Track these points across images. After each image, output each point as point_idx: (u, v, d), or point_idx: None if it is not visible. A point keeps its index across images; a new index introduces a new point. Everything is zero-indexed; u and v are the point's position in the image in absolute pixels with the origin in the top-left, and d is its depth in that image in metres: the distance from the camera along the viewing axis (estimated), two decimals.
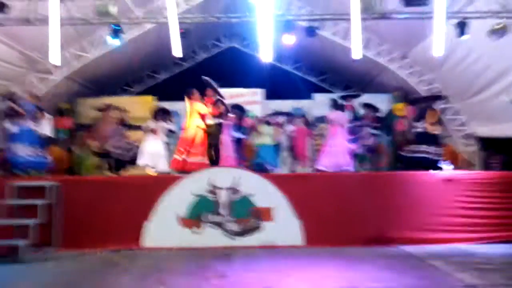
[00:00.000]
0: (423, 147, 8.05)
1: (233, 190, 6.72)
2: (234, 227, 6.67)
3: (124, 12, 8.94)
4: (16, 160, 7.50)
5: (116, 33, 8.57)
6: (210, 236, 6.61)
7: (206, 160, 7.91)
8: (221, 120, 8.56)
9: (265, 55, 8.85)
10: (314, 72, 15.30)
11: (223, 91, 8.90)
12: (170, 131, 9.97)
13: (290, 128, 10.63)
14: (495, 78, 9.13)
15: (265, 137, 10.12)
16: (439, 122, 8.37)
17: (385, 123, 10.96)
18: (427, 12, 7.96)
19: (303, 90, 14.00)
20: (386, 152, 10.59)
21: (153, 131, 9.24)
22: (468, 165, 10.90)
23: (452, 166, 8.43)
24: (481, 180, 7.06)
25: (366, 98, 11.00)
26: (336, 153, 8.50)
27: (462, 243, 6.49)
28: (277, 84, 13.86)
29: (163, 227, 6.60)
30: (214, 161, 8.23)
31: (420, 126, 8.26)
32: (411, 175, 7.33)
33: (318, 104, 12.81)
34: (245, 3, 8.83)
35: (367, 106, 10.23)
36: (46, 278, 4.99)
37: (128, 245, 6.48)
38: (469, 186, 6.88)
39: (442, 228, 6.63)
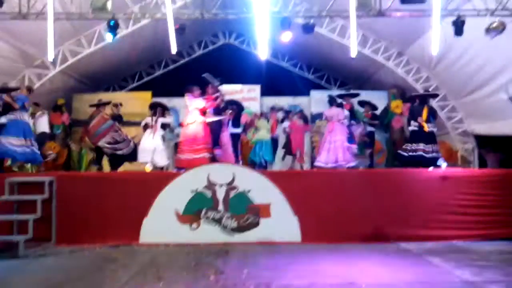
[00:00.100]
0: (421, 146, 8.09)
1: (231, 186, 6.73)
2: (232, 223, 6.68)
3: (120, 7, 8.92)
4: (3, 150, 7.44)
5: (112, 28, 8.53)
6: (207, 232, 6.62)
7: (211, 155, 7.93)
8: (221, 117, 8.54)
9: (262, 51, 8.88)
10: (311, 69, 15.30)
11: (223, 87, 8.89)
12: (167, 125, 9.99)
13: (286, 124, 10.64)
14: (492, 76, 9.16)
15: (263, 132, 10.12)
16: (434, 118, 8.40)
17: (382, 120, 11.00)
18: (424, 9, 7.98)
19: (300, 87, 14.00)
20: (383, 150, 10.65)
21: (150, 127, 9.26)
22: (465, 163, 10.96)
23: (446, 164, 8.44)
24: (478, 177, 7.11)
25: (363, 95, 11.01)
26: (335, 149, 8.52)
27: (459, 240, 6.52)
28: (274, 80, 13.87)
29: (161, 223, 6.61)
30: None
31: (415, 125, 8.30)
32: (408, 172, 7.38)
33: (315, 101, 12.83)
34: None
35: (365, 103, 10.27)
36: (45, 274, 4.98)
37: (126, 241, 6.49)
38: (466, 184, 6.91)
39: (439, 225, 6.66)
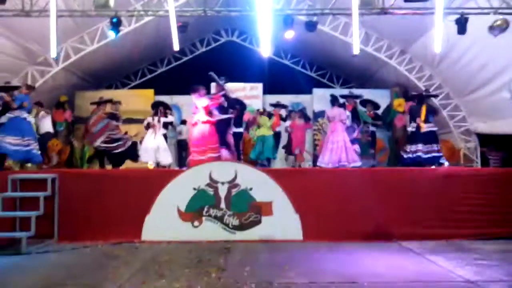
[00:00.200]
0: (419, 146, 8.09)
1: (233, 184, 6.74)
2: (234, 221, 6.69)
3: (123, 4, 8.91)
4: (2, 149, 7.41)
5: (115, 25, 8.53)
6: (209, 230, 6.64)
7: (221, 154, 7.92)
8: (229, 115, 8.49)
9: (265, 49, 8.86)
10: (313, 67, 15.27)
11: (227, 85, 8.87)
12: (169, 124, 10.01)
13: (287, 123, 10.64)
14: (495, 74, 9.13)
15: (264, 129, 10.11)
16: (434, 115, 8.37)
17: (384, 119, 10.99)
18: (427, 7, 7.96)
19: (303, 85, 13.98)
20: (386, 148, 10.64)
21: (152, 126, 9.29)
22: (467, 161, 10.94)
23: (447, 163, 8.44)
24: (481, 176, 7.11)
25: (366, 93, 11.00)
26: (337, 149, 8.49)
27: (461, 239, 6.51)
28: (276, 78, 13.86)
29: (163, 221, 6.63)
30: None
31: (413, 126, 8.29)
32: (410, 171, 7.37)
33: (317, 99, 12.82)
34: None
35: (367, 102, 10.25)
36: (47, 270, 5.00)
37: (128, 238, 6.52)
38: (468, 182, 6.90)
39: (441, 223, 6.66)
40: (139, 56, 13.38)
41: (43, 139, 9.56)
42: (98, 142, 8.74)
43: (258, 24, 8.25)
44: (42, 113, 9.78)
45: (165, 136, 9.84)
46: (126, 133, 9.57)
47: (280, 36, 9.68)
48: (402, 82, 11.78)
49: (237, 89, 12.58)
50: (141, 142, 9.57)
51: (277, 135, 10.51)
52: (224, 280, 4.49)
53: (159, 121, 9.43)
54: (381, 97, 11.60)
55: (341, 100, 9.23)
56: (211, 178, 6.76)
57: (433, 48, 8.27)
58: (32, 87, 8.42)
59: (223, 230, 6.66)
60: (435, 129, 8.39)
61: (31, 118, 7.93)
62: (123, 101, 11.95)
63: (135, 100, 12.75)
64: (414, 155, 8.09)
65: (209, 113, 8.09)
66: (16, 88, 7.85)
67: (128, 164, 9.28)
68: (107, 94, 11.45)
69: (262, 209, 6.70)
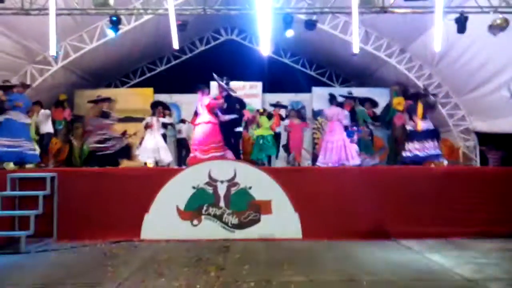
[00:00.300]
0: (416, 145, 8.08)
1: (232, 183, 6.74)
2: (233, 219, 6.69)
3: (123, 3, 8.91)
4: None
5: (114, 24, 8.53)
6: (209, 229, 6.64)
7: (226, 154, 7.90)
8: (234, 116, 8.45)
9: (264, 48, 8.85)
10: (313, 66, 15.27)
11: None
12: (168, 124, 10.03)
13: (286, 122, 10.64)
14: (494, 73, 9.14)
15: (263, 128, 10.12)
16: (432, 110, 8.34)
17: (384, 117, 10.98)
18: (427, 6, 7.96)
19: (302, 84, 13.98)
20: (385, 147, 10.63)
21: (150, 126, 9.31)
22: (467, 160, 10.95)
23: (446, 161, 8.45)
24: (480, 175, 7.12)
25: (365, 92, 11.00)
26: (336, 148, 8.48)
27: (460, 237, 6.51)
28: (276, 77, 13.85)
29: (162, 219, 6.63)
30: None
31: (411, 124, 8.29)
32: (409, 170, 7.37)
33: (317, 98, 12.81)
34: None
35: (366, 100, 10.23)
36: (47, 269, 5.00)
37: (128, 237, 6.52)
38: (467, 181, 6.91)
39: (440, 222, 6.66)
40: (138, 54, 13.39)
41: (44, 140, 9.55)
42: (90, 143, 8.68)
43: (258, 23, 8.25)
44: (41, 112, 9.76)
45: (164, 135, 9.86)
46: (125, 132, 9.56)
47: (279, 35, 9.67)
48: (402, 81, 11.78)
49: (236, 88, 12.56)
50: (140, 143, 9.56)
51: (277, 135, 10.51)
52: (223, 278, 4.49)
53: (157, 121, 9.45)
54: (381, 96, 11.59)
55: (340, 99, 9.22)
56: (210, 177, 6.76)
57: (433, 47, 8.27)
58: (26, 85, 8.30)
59: (222, 229, 6.67)
60: (432, 126, 8.32)
61: (26, 119, 7.77)
62: (122, 99, 11.99)
63: (135, 98, 12.75)
64: (414, 153, 8.09)
65: (212, 112, 8.06)
66: (12, 87, 7.76)
67: (127, 163, 9.26)
68: (106, 92, 11.45)
69: (261, 208, 6.70)
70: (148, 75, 15.07)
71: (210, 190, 6.74)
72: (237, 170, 6.79)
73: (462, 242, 6.35)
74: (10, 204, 6.56)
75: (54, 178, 6.67)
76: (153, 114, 9.62)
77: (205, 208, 6.70)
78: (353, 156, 8.40)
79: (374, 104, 10.26)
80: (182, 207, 6.68)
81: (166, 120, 9.99)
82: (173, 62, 15.06)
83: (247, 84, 13.16)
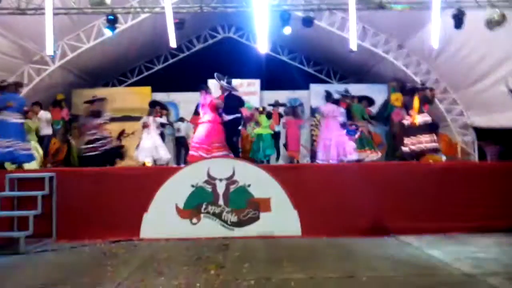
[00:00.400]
0: (414, 139, 8.09)
1: (231, 181, 6.73)
2: (232, 217, 6.68)
3: (119, 1, 8.89)
4: None
5: (111, 23, 8.51)
6: (208, 227, 6.63)
7: (230, 153, 7.88)
8: (238, 115, 8.40)
9: (262, 45, 8.85)
10: (310, 63, 15.26)
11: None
12: (164, 124, 10.04)
13: (283, 119, 10.66)
14: (491, 68, 9.15)
15: (263, 127, 10.17)
16: (429, 103, 8.32)
17: (382, 113, 10.99)
18: (424, 2, 7.96)
19: (300, 81, 13.98)
20: (383, 143, 10.63)
21: (147, 126, 9.33)
22: (465, 155, 10.96)
23: (444, 157, 8.45)
24: (478, 170, 7.13)
25: (363, 88, 11.00)
26: (333, 145, 8.51)
27: (459, 232, 6.52)
28: (274, 74, 13.85)
29: (161, 218, 6.62)
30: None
31: (408, 119, 8.29)
32: (407, 165, 7.38)
33: (315, 95, 12.82)
34: None
35: (363, 98, 10.23)
36: (46, 269, 4.99)
37: (127, 236, 6.50)
38: (466, 176, 6.91)
39: (439, 217, 6.66)
40: (135, 53, 13.38)
41: (44, 142, 9.53)
42: (81, 144, 8.62)
43: (255, 20, 8.24)
44: (43, 114, 9.71)
45: (162, 134, 9.87)
46: (123, 131, 9.55)
47: (277, 32, 9.66)
48: (400, 77, 11.79)
49: (234, 85, 12.58)
50: (139, 144, 9.58)
51: (276, 134, 10.52)
52: (223, 277, 4.49)
53: (154, 121, 9.47)
54: (379, 92, 11.63)
55: (336, 96, 9.23)
56: (209, 175, 6.75)
57: (430, 42, 8.28)
58: (19, 84, 8.09)
59: (222, 227, 6.66)
60: (429, 119, 8.29)
61: (19, 119, 7.55)
62: (120, 98, 12.00)
63: (132, 97, 12.76)
64: (411, 147, 8.10)
65: (216, 111, 8.03)
66: (4, 87, 7.61)
67: (124, 162, 9.26)
68: (104, 92, 11.48)
69: (260, 206, 6.70)
70: (146, 73, 15.07)
71: (209, 188, 6.73)
72: (235, 168, 6.79)
73: (460, 237, 6.35)
74: (9, 205, 6.54)
75: (52, 178, 6.66)
76: (150, 114, 9.63)
77: (204, 206, 6.70)
78: (350, 152, 8.42)
79: (370, 102, 10.27)
80: (181, 206, 6.68)
81: (162, 120, 10.00)
82: (171, 61, 15.07)
83: (245, 81, 13.17)
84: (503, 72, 8.89)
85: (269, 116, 10.44)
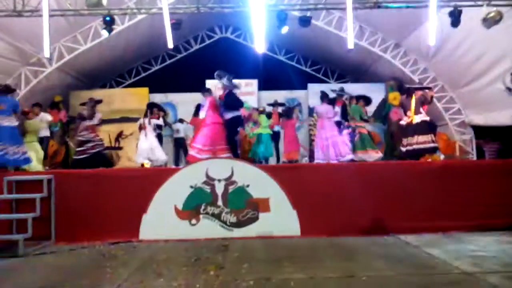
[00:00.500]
0: (410, 139, 8.09)
1: (230, 181, 6.73)
2: (231, 218, 6.68)
3: (116, 3, 8.87)
4: None
5: (108, 24, 8.50)
6: (207, 228, 6.62)
7: (231, 155, 7.87)
8: (238, 113, 8.38)
9: (259, 45, 8.84)
10: (308, 62, 15.27)
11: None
12: (160, 125, 10.04)
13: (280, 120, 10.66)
14: (489, 66, 9.17)
15: (263, 127, 10.19)
16: (426, 104, 8.30)
17: (380, 112, 10.98)
18: (421, 0, 7.96)
19: (297, 80, 13.99)
20: (382, 142, 10.63)
21: (143, 128, 9.34)
22: (463, 154, 10.98)
23: (443, 155, 8.45)
24: (477, 168, 7.13)
25: (361, 87, 11.01)
26: (329, 145, 8.54)
27: (458, 231, 6.53)
28: (271, 74, 13.87)
29: (160, 219, 6.61)
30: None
31: (405, 119, 8.28)
32: (406, 164, 7.38)
33: (312, 94, 12.83)
34: None
35: (360, 97, 10.22)
36: (45, 272, 4.98)
37: (126, 238, 6.50)
38: (464, 175, 6.91)
39: (437, 216, 6.66)
40: (133, 54, 13.36)
41: (43, 143, 9.50)
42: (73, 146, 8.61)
43: (252, 20, 8.23)
44: (44, 116, 9.68)
45: (160, 136, 9.87)
46: (121, 132, 9.54)
47: (274, 32, 9.65)
48: (397, 76, 11.80)
49: None
50: (137, 146, 9.59)
51: (275, 134, 10.52)
52: (222, 277, 4.48)
53: (149, 122, 9.47)
54: (376, 91, 11.63)
55: (332, 95, 9.24)
56: (207, 176, 6.74)
57: (427, 41, 8.28)
58: (8, 87, 7.83)
59: (221, 228, 6.66)
60: (427, 119, 8.26)
61: (10, 122, 7.37)
62: (117, 100, 11.99)
63: (130, 98, 12.75)
64: (409, 147, 8.10)
65: (216, 109, 8.02)
66: None
67: (124, 163, 9.27)
68: (101, 93, 11.47)
69: (259, 206, 6.69)
70: (143, 75, 15.06)
71: (207, 189, 6.73)
72: (234, 169, 6.78)
73: (460, 235, 6.36)
74: (7, 207, 6.53)
75: (51, 180, 6.64)
76: (145, 115, 9.63)
77: (203, 207, 6.69)
78: (345, 153, 8.45)
79: (368, 101, 10.26)
80: (180, 207, 6.67)
81: (158, 122, 10.00)
82: (168, 61, 15.06)
83: (243, 82, 13.10)
84: (500, 70, 8.91)
85: (269, 116, 10.45)
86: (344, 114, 9.24)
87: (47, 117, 9.75)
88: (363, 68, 13.41)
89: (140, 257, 5.52)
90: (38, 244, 6.23)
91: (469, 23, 8.04)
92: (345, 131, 9.26)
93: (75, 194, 6.66)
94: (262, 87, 13.55)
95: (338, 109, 9.02)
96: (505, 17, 7.73)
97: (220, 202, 6.70)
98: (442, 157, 8.36)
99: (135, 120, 10.66)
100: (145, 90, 13.14)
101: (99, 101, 9.08)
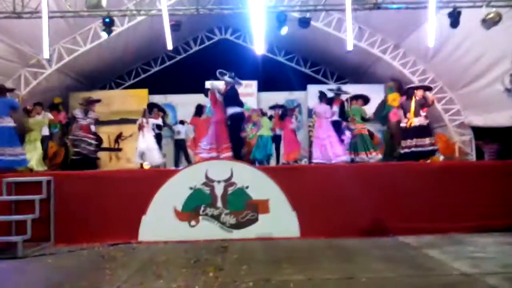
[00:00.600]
0: (409, 142, 8.08)
1: (229, 182, 6.73)
2: (231, 219, 6.68)
3: (115, 4, 8.88)
4: None
5: (107, 26, 8.50)
6: (206, 229, 6.62)
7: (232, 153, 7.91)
8: (240, 110, 8.34)
9: (258, 46, 8.85)
10: (307, 63, 15.27)
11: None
12: (159, 125, 10.03)
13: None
14: (488, 67, 9.18)
15: (264, 129, 10.22)
16: (425, 107, 8.28)
17: (379, 113, 10.98)
18: (420, 1, 7.97)
19: (297, 82, 13.99)
20: (381, 143, 10.62)
21: (141, 127, 9.33)
22: (463, 155, 10.98)
23: (442, 156, 8.45)
24: (476, 169, 7.14)
25: (360, 88, 11.00)
26: (325, 145, 8.55)
27: (457, 232, 6.52)
28: (271, 75, 13.87)
29: (160, 221, 6.60)
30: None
31: (405, 121, 8.27)
32: (405, 166, 7.38)
33: (312, 95, 12.81)
34: None
35: (359, 97, 10.21)
36: (44, 273, 4.98)
37: (125, 239, 6.49)
38: (464, 176, 6.91)
39: (437, 217, 6.66)
40: (132, 56, 13.36)
41: (44, 143, 9.51)
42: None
43: (252, 22, 8.24)
44: (43, 114, 9.69)
45: (159, 136, 9.85)
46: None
47: (273, 33, 9.66)
48: (397, 77, 11.81)
49: None
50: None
51: (277, 136, 10.53)
52: (221, 279, 4.48)
53: (147, 122, 9.46)
54: (376, 92, 11.61)
55: (330, 94, 9.25)
56: (207, 177, 6.74)
57: (427, 42, 8.28)
58: (4, 89, 7.85)
59: (220, 229, 6.65)
60: (426, 122, 8.25)
61: (5, 123, 7.40)
62: (117, 101, 11.99)
63: (130, 100, 12.75)
64: (408, 149, 8.09)
65: (217, 105, 8.03)
66: None
67: (123, 165, 9.27)
68: (101, 94, 11.46)
69: (258, 207, 6.69)
70: (143, 76, 15.06)
71: (207, 190, 6.72)
72: (233, 170, 6.78)
73: (459, 237, 6.36)
74: (7, 209, 6.52)
75: (50, 182, 6.64)
76: (144, 115, 9.62)
77: (202, 208, 6.69)
78: (337, 154, 8.46)
79: (366, 101, 10.24)
80: (179, 208, 6.67)
81: (157, 121, 9.98)
82: (168, 63, 15.07)
83: (242, 83, 13.15)
84: (499, 71, 8.92)
85: (271, 118, 10.50)
86: (342, 113, 9.23)
87: (49, 115, 9.77)
88: (363, 69, 13.41)
89: (139, 259, 5.52)
90: (37, 245, 6.22)
91: (468, 24, 8.05)
92: (347, 135, 9.25)
93: (74, 195, 6.65)
94: (261, 88, 13.55)
95: (336, 108, 9.02)
96: (504, 18, 7.74)
97: (219, 204, 6.70)
98: (441, 158, 8.35)
99: (134, 121, 10.65)
100: (145, 91, 13.14)
101: (94, 101, 9.11)
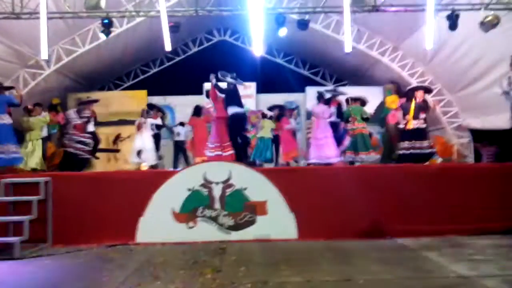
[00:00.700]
0: (407, 144, 8.07)
1: (227, 184, 6.72)
2: (228, 221, 6.66)
3: (114, 5, 8.89)
4: None
5: (106, 27, 8.50)
6: (204, 231, 6.60)
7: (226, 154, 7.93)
8: (241, 110, 8.34)
9: (257, 48, 8.86)
10: (306, 65, 15.29)
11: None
12: (159, 126, 10.03)
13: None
14: (486, 70, 9.19)
15: (265, 130, 10.22)
16: (424, 110, 8.27)
17: (378, 115, 10.98)
18: (419, 4, 7.99)
19: (296, 83, 14.01)
20: (379, 145, 10.62)
21: (139, 127, 9.33)
22: (461, 157, 10.99)
23: (440, 159, 8.45)
24: (474, 171, 7.14)
25: (359, 90, 11.01)
26: (322, 145, 8.57)
27: (455, 235, 6.51)
28: (269, 77, 13.89)
29: (157, 222, 6.59)
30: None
31: (403, 123, 8.27)
32: (403, 168, 7.37)
33: (311, 97, 12.82)
34: None
35: (357, 99, 10.21)
36: (42, 275, 4.96)
37: (123, 241, 6.47)
38: (462, 178, 6.91)
39: (435, 219, 6.65)
40: (131, 57, 13.37)
41: (43, 144, 9.50)
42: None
43: (250, 23, 8.25)
44: (43, 115, 9.67)
45: (157, 136, 9.84)
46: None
47: (272, 35, 9.67)
48: (395, 79, 11.82)
49: None
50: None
51: (276, 138, 10.52)
52: (219, 280, 4.47)
53: (145, 122, 9.46)
54: (374, 94, 11.63)
55: (327, 95, 9.26)
56: (205, 179, 6.73)
57: (425, 44, 8.30)
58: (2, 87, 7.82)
59: (218, 231, 6.64)
60: (424, 125, 8.24)
61: (1, 120, 7.42)
62: (116, 102, 11.98)
63: (128, 101, 12.76)
64: (407, 151, 8.09)
65: (217, 101, 8.04)
66: None
67: (121, 166, 9.26)
68: (99, 95, 11.46)
69: (256, 209, 6.68)
70: (142, 77, 15.07)
71: (205, 192, 6.71)
72: (232, 171, 6.77)
73: (457, 239, 6.34)
74: (4, 210, 6.50)
75: (48, 183, 6.62)
76: (142, 115, 9.62)
77: (200, 210, 6.67)
78: (329, 155, 8.47)
79: (363, 103, 10.24)
80: (177, 210, 6.65)
81: (155, 121, 9.98)
82: (166, 64, 15.08)
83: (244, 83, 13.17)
84: (497, 74, 8.92)
85: (271, 118, 10.49)
86: (340, 113, 9.24)
87: (49, 115, 9.79)
88: (361, 72, 13.43)
89: (137, 260, 5.50)
90: (35, 246, 6.20)
91: (466, 27, 8.06)
92: (347, 139, 9.26)
93: (72, 196, 6.63)
94: (260, 90, 13.57)
95: (333, 109, 9.03)
96: (503, 21, 7.76)
97: (217, 205, 6.69)
98: (439, 160, 8.35)
99: (133, 122, 10.66)
100: (143, 92, 13.14)
101: (88, 102, 9.18)
